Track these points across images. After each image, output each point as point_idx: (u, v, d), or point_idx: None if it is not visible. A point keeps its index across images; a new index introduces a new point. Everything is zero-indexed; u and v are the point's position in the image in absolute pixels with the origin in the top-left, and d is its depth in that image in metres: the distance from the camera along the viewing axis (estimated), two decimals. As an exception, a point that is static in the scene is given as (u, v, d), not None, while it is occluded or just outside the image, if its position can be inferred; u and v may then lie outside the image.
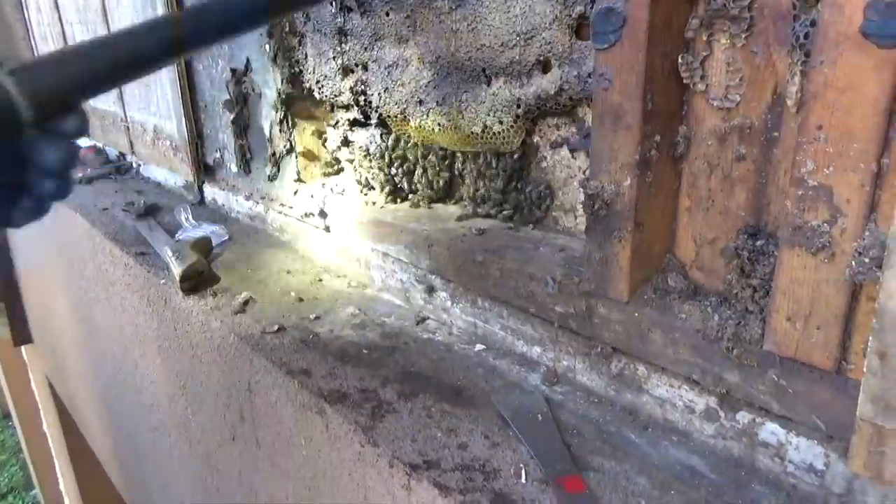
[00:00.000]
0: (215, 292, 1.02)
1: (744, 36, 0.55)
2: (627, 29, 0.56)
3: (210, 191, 1.43)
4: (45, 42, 2.17)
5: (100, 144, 1.99)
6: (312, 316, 0.92)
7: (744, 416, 0.59)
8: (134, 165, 1.82)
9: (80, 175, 1.80)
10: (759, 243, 0.57)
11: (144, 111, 1.54)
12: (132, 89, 1.58)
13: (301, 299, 0.97)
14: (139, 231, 1.30)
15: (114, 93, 1.69)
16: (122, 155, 1.87)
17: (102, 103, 1.81)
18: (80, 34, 1.82)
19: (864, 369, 0.46)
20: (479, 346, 0.82)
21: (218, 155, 1.31)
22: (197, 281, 1.01)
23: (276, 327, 0.88)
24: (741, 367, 0.57)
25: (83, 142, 2.13)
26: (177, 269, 1.01)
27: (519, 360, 0.78)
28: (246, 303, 0.96)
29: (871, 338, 0.45)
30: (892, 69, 0.43)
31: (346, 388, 0.74)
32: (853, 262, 0.47)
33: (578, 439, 0.64)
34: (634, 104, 0.58)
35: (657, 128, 0.60)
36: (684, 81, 0.60)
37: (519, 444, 0.64)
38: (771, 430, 0.57)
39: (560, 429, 0.65)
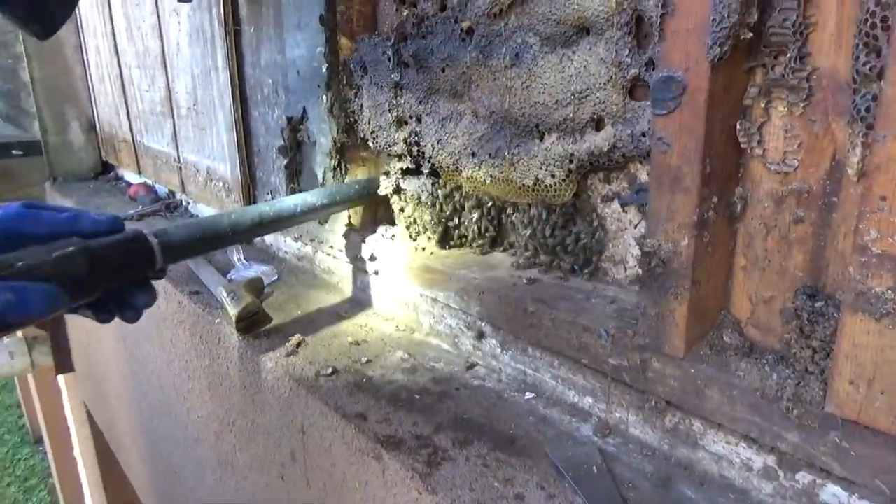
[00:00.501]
0: (268, 333, 1.05)
1: (802, 105, 0.57)
2: (687, 97, 0.59)
3: (259, 230, 1.48)
4: (102, 83, 2.28)
5: (150, 182, 2.07)
6: (364, 359, 0.94)
7: (804, 477, 0.59)
8: (183, 203, 1.88)
9: (130, 212, 1.88)
10: (818, 304, 0.58)
11: (199, 153, 1.61)
12: (186, 132, 1.66)
13: (353, 342, 1.00)
14: (190, 268, 1.34)
15: (168, 134, 1.77)
16: (171, 193, 1.94)
17: (157, 143, 1.89)
18: (137, 78, 1.91)
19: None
20: (528, 395, 0.83)
21: (269, 197, 1.36)
22: (251, 321, 1.05)
23: (329, 370, 0.91)
24: (801, 427, 0.57)
25: (134, 178, 2.21)
26: (232, 310, 1.04)
27: (570, 409, 0.79)
28: (298, 344, 0.99)
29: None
30: (956, 146, 0.45)
31: (401, 434, 0.75)
32: (918, 330, 0.48)
33: (634, 493, 0.65)
34: (693, 167, 0.60)
35: (714, 190, 0.62)
36: (742, 146, 0.62)
37: (575, 496, 0.64)
38: (832, 492, 0.57)
39: (615, 481, 0.66)
